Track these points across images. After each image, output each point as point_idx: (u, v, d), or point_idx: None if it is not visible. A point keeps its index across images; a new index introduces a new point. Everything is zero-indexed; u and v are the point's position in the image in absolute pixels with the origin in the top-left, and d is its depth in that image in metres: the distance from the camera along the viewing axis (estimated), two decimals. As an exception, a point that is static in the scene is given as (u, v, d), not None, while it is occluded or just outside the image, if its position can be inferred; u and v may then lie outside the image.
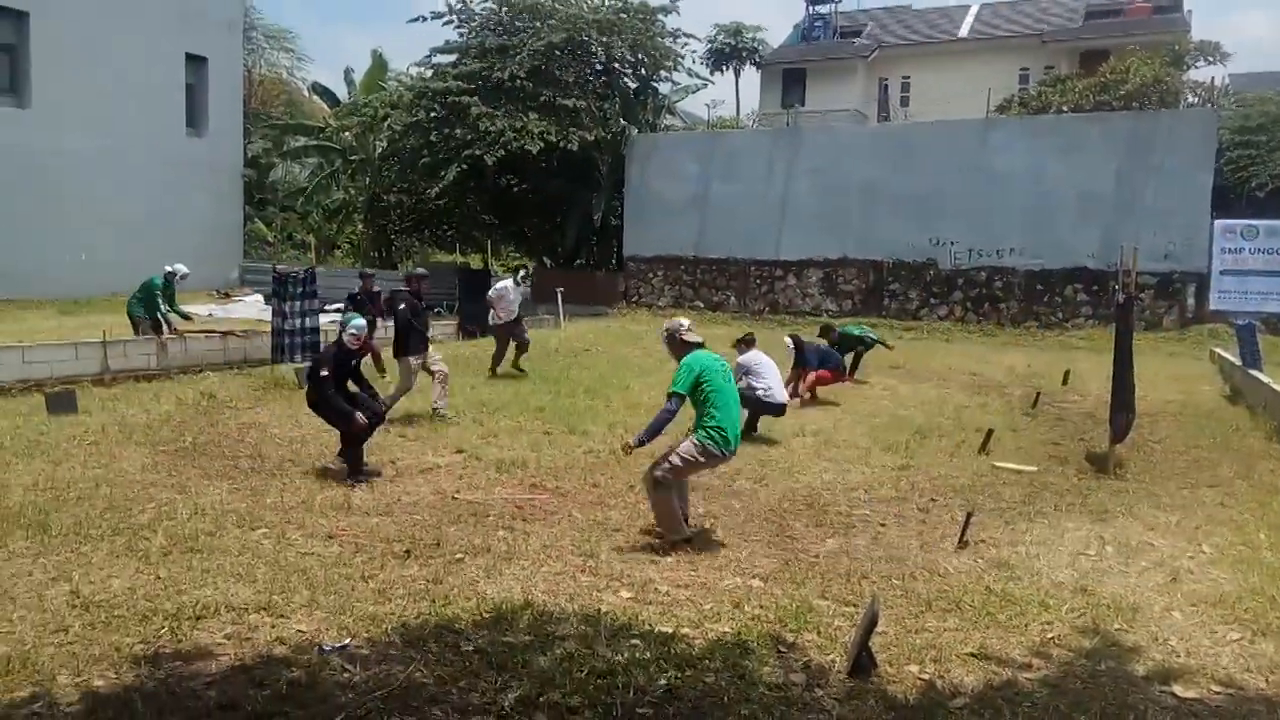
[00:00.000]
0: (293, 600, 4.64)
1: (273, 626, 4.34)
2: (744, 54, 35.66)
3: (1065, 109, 24.09)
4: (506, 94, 24.90)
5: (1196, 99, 24.81)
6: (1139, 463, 8.41)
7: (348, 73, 36.36)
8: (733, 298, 25.22)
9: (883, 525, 6.38)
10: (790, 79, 36.41)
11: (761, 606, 4.74)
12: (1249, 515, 6.68)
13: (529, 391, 11.33)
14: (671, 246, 25.86)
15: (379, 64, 34.81)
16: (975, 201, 22.12)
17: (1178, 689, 3.87)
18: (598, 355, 15.48)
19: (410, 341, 9.46)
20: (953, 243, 22.60)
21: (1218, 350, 16.40)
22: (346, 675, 3.83)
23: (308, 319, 11.71)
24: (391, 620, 4.40)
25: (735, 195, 24.97)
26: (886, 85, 35.66)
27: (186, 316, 13.89)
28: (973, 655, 4.18)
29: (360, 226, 34.92)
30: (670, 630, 4.34)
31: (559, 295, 22.48)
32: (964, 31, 35.03)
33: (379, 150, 30.40)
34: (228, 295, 27.17)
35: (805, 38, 38.21)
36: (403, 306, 9.48)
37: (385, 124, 28.90)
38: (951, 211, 22.44)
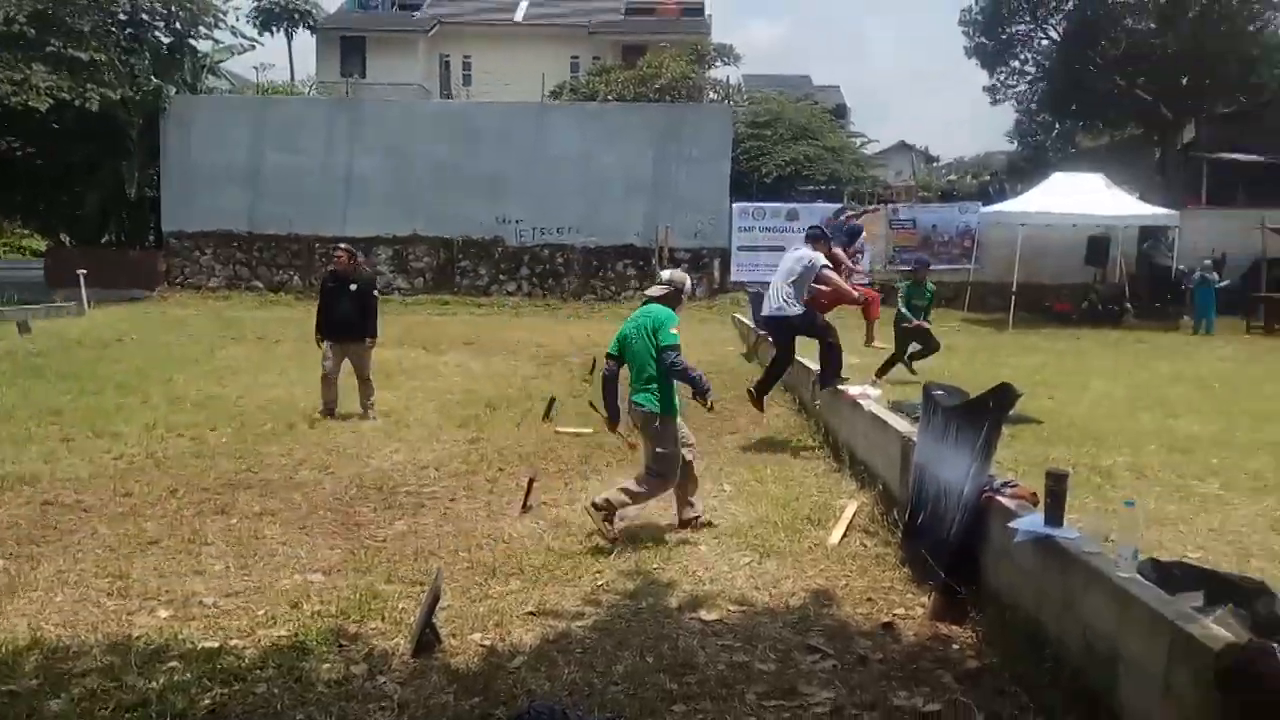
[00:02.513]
0: None
1: None
2: (296, 16, 33.56)
3: (610, 98, 26.11)
4: (2, 41, 20.81)
5: (717, 95, 28.33)
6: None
7: None
8: (296, 277, 23.79)
9: (452, 500, 6.45)
10: (349, 47, 35.03)
11: (323, 602, 4.53)
12: (760, 456, 7.83)
13: (43, 392, 9.66)
14: (222, 221, 23.65)
15: None
16: (536, 182, 23.21)
17: (703, 613, 4.40)
18: (132, 345, 13.70)
19: None
20: (518, 221, 23.51)
21: (738, 316, 19.00)
22: None
23: None
24: None
25: (295, 166, 23.50)
26: (448, 62, 35.82)
27: None
28: (532, 614, 4.38)
29: None
30: (216, 645, 3.97)
31: (81, 278, 19.46)
32: (519, 16, 36.33)
33: None
34: None
35: (362, 5, 37.00)
36: None
37: None
38: (516, 191, 23.31)
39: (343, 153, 23.65)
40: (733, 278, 23.22)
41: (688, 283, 5.68)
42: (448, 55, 35.77)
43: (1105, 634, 3.21)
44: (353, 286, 9.22)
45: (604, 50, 34.52)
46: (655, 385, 5.59)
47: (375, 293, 9.56)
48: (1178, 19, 25.42)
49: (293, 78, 34.01)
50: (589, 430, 8.66)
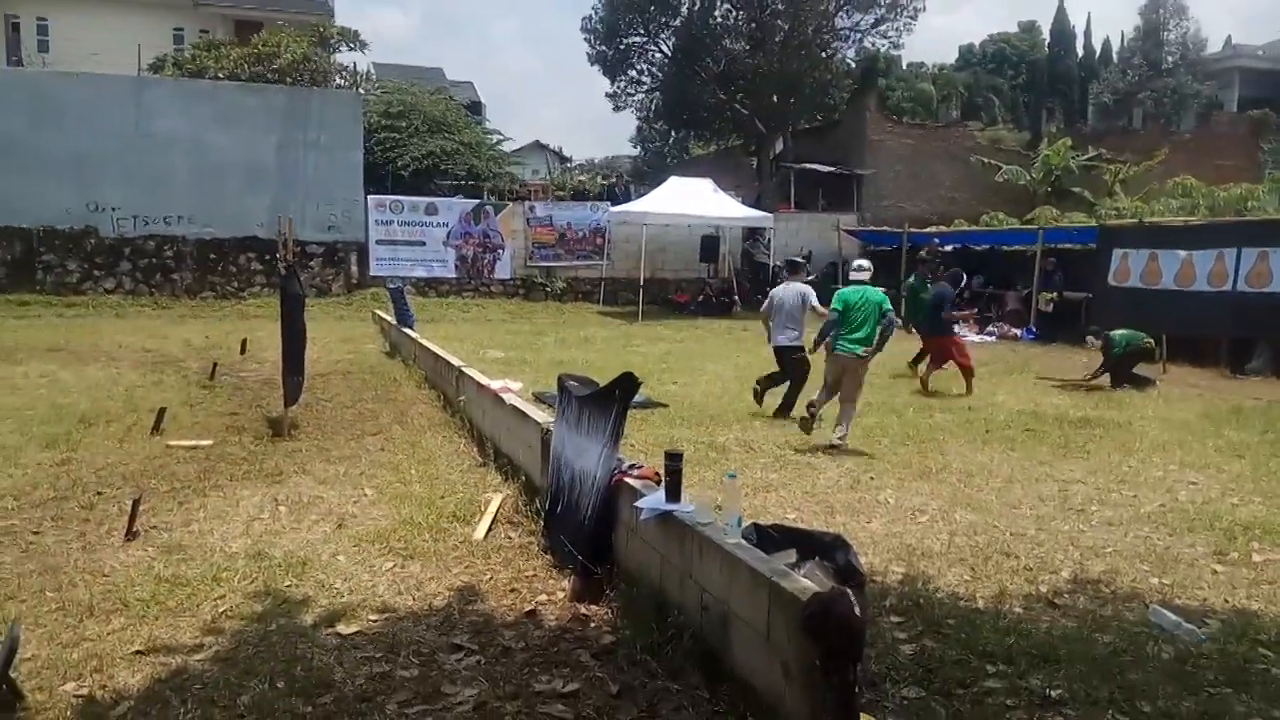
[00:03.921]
0: None
1: None
2: None
3: (222, 76, 23.91)
4: None
5: (344, 82, 27.05)
6: (312, 421, 8.94)
7: None
8: None
9: (36, 533, 5.53)
10: (-126, -6, 28.65)
11: None
12: (403, 456, 7.63)
13: None
14: None
15: None
16: (137, 166, 20.61)
17: (341, 627, 4.19)
18: None
19: None
20: (115, 209, 20.73)
21: (378, 312, 18.40)
22: None
23: None
24: None
25: None
26: (18, 25, 30.65)
27: None
28: (140, 653, 3.89)
29: None
30: None
31: None
32: (109, -23, 31.98)
33: None
34: None
35: (-108, -55, 30.39)
36: None
37: None
38: (111, 175, 20.52)
39: None
40: (371, 272, 22.39)
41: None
42: (16, 16, 30.57)
43: (719, 596, 3.55)
44: None
45: (213, 24, 31.55)
46: (865, 339, 8.30)
47: None
48: (767, 43, 28.80)
49: None
50: (207, 443, 7.89)
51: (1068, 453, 8.22)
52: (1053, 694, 3.61)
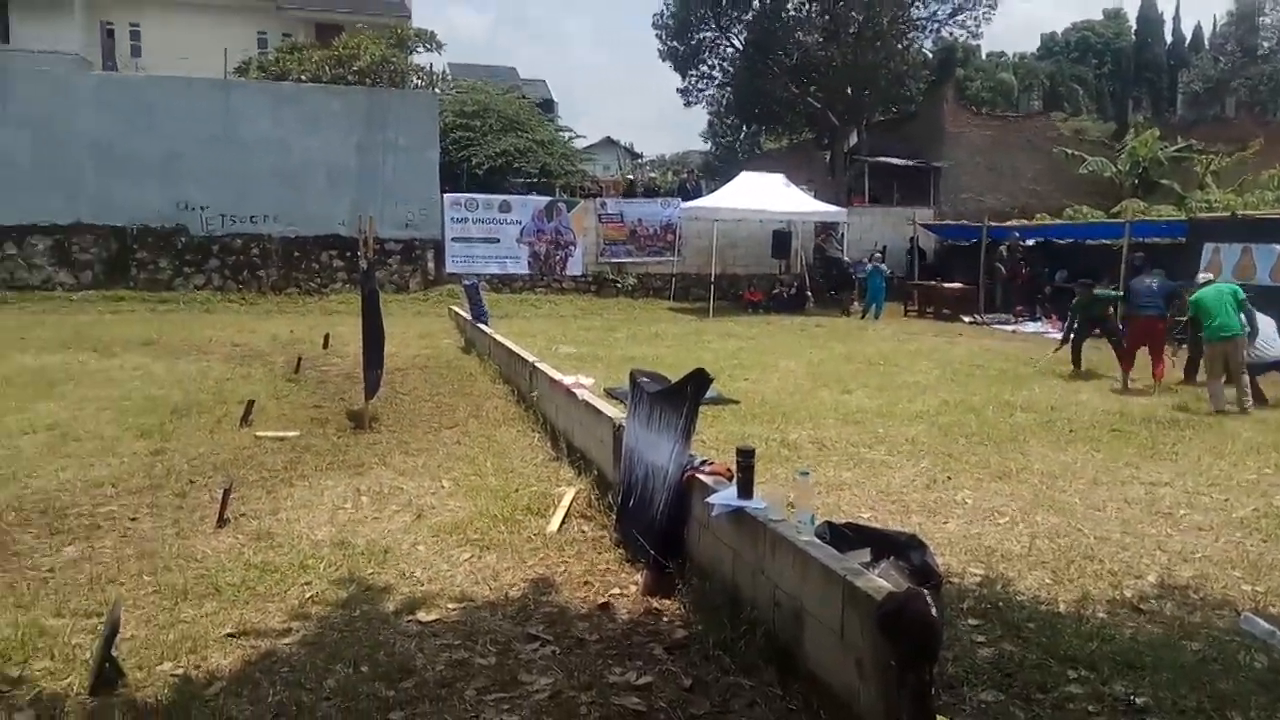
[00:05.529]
0: None
1: None
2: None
3: (304, 78, 24.60)
4: None
5: (421, 82, 27.60)
6: (391, 414, 9.17)
7: None
8: (-73, 273, 20.22)
9: (133, 519, 5.80)
10: (-14, 8, 30.28)
11: (-28, 647, 3.91)
12: (479, 449, 7.77)
13: None
14: None
15: None
16: (224, 166, 21.36)
17: (421, 615, 4.31)
18: None
19: None
20: (204, 208, 21.53)
21: (454, 308, 18.76)
22: None
23: None
24: None
25: (-87, 144, 19.90)
26: (112, 31, 32.05)
27: None
28: (231, 636, 4.06)
29: None
30: None
31: None
32: (198, -16, 33.23)
33: None
34: None
35: (0, -41, 32.05)
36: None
37: None
38: (199, 175, 21.31)
39: (-22, 129, 20.37)
40: (447, 269, 22.81)
41: None
42: (111, 23, 31.97)
43: (791, 593, 3.55)
44: None
45: (295, 27, 32.53)
46: (1235, 324, 9.98)
47: None
48: (840, 34, 28.42)
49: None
50: (294, 433, 8.17)
51: (1155, 454, 7.95)
52: (1138, 701, 3.52)
